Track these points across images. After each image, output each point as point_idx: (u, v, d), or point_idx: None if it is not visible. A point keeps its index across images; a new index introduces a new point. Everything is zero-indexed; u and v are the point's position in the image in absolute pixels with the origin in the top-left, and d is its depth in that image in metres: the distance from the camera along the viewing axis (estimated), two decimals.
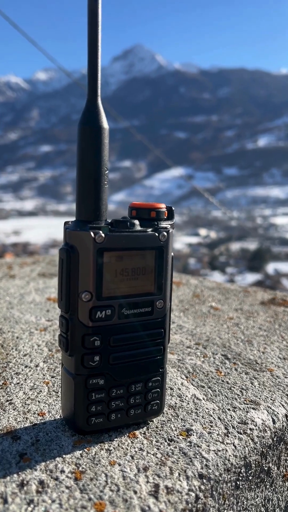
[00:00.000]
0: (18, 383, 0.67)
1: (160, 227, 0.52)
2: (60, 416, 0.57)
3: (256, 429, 0.57)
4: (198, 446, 0.52)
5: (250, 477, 0.54)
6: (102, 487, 0.44)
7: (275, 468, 0.59)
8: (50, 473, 0.46)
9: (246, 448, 0.54)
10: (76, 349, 0.50)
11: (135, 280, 0.51)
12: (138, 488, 0.44)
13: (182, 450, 0.51)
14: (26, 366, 0.73)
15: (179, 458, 0.50)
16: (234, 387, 0.68)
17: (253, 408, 0.61)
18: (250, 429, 0.56)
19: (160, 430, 0.55)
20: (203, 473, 0.48)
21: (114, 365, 0.52)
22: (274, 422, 0.59)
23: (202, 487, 0.47)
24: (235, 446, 0.53)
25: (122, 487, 0.44)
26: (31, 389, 0.65)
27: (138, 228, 0.51)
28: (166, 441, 0.53)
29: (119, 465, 0.48)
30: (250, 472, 0.54)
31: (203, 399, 0.64)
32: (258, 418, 0.59)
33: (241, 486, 0.53)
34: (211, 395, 0.65)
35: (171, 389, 0.66)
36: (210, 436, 0.54)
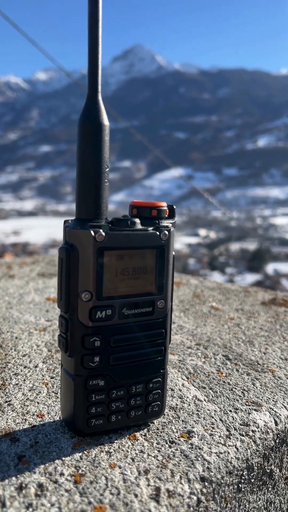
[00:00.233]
0: (17, 384, 0.66)
1: (161, 226, 0.51)
2: (59, 418, 0.56)
3: (258, 431, 0.56)
4: (199, 448, 0.51)
5: (252, 480, 0.54)
6: (102, 491, 0.43)
7: (277, 470, 0.58)
8: (49, 476, 0.45)
9: (248, 450, 0.53)
10: (76, 349, 0.49)
11: (136, 280, 0.51)
12: (139, 491, 0.44)
13: (184, 453, 0.50)
14: (25, 367, 0.72)
15: (180, 460, 0.49)
16: (235, 388, 0.67)
17: (255, 410, 0.60)
18: (252, 431, 0.56)
19: (161, 432, 0.54)
20: (205, 476, 0.47)
21: (114, 366, 0.51)
22: (276, 423, 0.58)
23: (204, 490, 0.46)
24: (237, 448, 0.52)
25: (123, 490, 0.44)
26: (30, 390, 0.64)
27: (139, 226, 0.50)
28: (167, 443, 0.52)
29: (120, 467, 0.47)
30: (252, 474, 0.53)
31: (204, 400, 0.63)
32: (260, 419, 0.58)
33: (243, 489, 0.52)
34: (212, 396, 0.64)
35: (172, 390, 0.66)
36: (212, 438, 0.53)
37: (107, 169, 0.49)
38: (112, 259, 0.49)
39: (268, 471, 0.56)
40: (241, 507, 0.52)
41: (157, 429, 0.55)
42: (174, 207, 0.55)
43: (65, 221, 0.51)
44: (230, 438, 0.54)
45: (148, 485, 0.45)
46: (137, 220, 0.50)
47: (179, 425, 0.56)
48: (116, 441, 0.52)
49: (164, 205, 0.53)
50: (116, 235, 0.48)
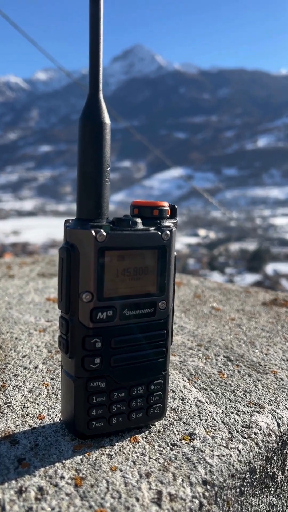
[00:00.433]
0: (16, 385, 0.65)
1: (162, 226, 0.51)
2: (59, 420, 0.56)
3: (260, 433, 0.55)
4: (201, 451, 0.50)
5: (255, 483, 0.53)
6: (103, 494, 0.43)
7: (280, 473, 0.58)
8: (50, 479, 0.44)
9: (251, 453, 0.52)
10: (76, 351, 0.48)
11: (137, 280, 0.50)
12: (140, 495, 0.43)
13: (185, 455, 0.50)
14: (25, 368, 0.71)
15: (182, 463, 0.48)
16: (237, 390, 0.66)
17: (257, 412, 0.60)
18: (255, 433, 0.55)
19: (163, 434, 0.54)
20: (207, 479, 0.46)
21: (115, 367, 0.50)
22: (279, 426, 0.58)
23: (206, 493, 0.45)
24: (239, 451, 0.51)
25: (124, 494, 0.43)
26: (30, 392, 0.63)
27: (141, 226, 0.50)
28: (168, 446, 0.51)
29: (121, 470, 0.46)
30: (254, 477, 0.53)
31: (206, 402, 0.62)
32: (263, 421, 0.58)
33: (245, 492, 0.51)
34: (214, 398, 0.64)
35: (173, 391, 0.65)
36: (214, 440, 0.53)
37: (108, 168, 0.49)
38: (113, 259, 0.48)
39: (270, 473, 0.56)
40: (243, 510, 0.51)
41: (159, 431, 0.54)
42: (176, 207, 0.54)
43: (66, 221, 0.50)
44: (232, 440, 0.53)
45: (150, 488, 0.44)
46: (139, 220, 0.50)
47: (181, 427, 0.55)
48: (117, 443, 0.51)
49: (165, 204, 0.52)
50: (117, 235, 0.48)
